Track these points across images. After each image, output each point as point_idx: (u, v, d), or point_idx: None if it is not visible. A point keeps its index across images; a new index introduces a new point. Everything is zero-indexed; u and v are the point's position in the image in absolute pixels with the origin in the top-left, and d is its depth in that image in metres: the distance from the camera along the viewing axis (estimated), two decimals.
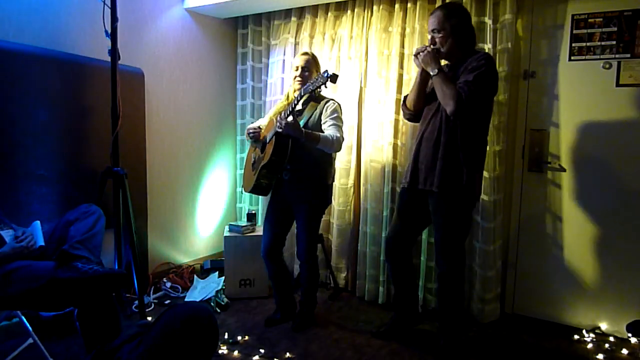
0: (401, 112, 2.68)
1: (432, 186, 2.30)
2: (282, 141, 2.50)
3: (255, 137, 2.77)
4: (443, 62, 2.33)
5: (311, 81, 2.42)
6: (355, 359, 2.46)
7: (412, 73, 2.98)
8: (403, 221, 2.54)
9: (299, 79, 2.66)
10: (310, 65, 2.68)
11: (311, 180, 2.64)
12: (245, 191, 2.86)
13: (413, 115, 2.51)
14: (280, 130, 2.42)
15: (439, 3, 2.91)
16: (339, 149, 2.60)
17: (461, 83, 2.17)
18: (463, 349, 2.47)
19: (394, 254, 2.60)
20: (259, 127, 2.81)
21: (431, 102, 2.38)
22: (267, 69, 3.73)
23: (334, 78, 2.32)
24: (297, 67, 2.68)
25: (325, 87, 2.37)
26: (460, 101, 2.13)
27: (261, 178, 2.63)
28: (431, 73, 2.25)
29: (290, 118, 2.45)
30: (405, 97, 2.56)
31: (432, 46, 2.28)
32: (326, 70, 2.34)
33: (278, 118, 2.45)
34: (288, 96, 2.78)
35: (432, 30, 2.29)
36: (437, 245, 2.39)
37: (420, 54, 2.28)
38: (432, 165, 2.30)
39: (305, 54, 2.73)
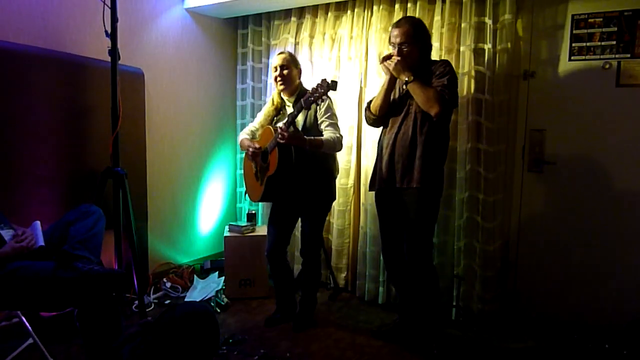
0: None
1: (411, 183, 2.39)
2: (285, 151, 2.48)
3: (256, 155, 2.67)
4: None
5: (311, 93, 2.35)
6: (355, 359, 2.46)
7: None
8: (389, 223, 2.59)
9: (279, 79, 2.64)
10: (289, 63, 2.65)
11: (317, 178, 2.65)
12: (254, 201, 2.86)
13: (378, 121, 2.58)
14: (282, 141, 2.40)
15: (439, 4, 2.92)
16: (340, 148, 2.64)
17: (439, 87, 2.29)
18: (445, 334, 2.59)
19: (391, 259, 2.63)
20: (258, 147, 2.66)
21: (397, 108, 2.48)
22: (267, 69, 3.73)
23: (334, 86, 2.30)
24: (276, 67, 2.65)
25: (327, 96, 2.36)
26: (445, 103, 2.28)
27: (269, 187, 2.60)
28: (407, 80, 2.34)
29: (291, 129, 2.42)
30: (369, 103, 2.60)
31: (399, 57, 2.36)
32: (324, 79, 2.31)
33: (278, 129, 2.41)
34: (273, 100, 2.76)
35: (401, 44, 2.38)
36: (412, 237, 2.45)
37: (390, 62, 2.37)
38: (409, 164, 2.40)
39: (280, 52, 2.71)
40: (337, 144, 2.57)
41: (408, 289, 2.62)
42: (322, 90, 2.31)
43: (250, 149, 2.66)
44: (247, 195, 2.95)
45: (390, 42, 2.45)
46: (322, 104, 2.58)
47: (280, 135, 2.39)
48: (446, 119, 2.42)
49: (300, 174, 2.57)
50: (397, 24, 2.43)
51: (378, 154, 2.60)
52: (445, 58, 2.85)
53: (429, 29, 2.96)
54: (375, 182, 2.57)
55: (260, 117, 2.84)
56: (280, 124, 2.49)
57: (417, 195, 2.39)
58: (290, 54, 2.72)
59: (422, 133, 2.36)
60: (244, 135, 2.84)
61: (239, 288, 3.26)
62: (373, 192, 3.10)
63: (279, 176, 2.53)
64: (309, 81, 3.28)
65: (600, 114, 2.68)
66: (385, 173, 2.48)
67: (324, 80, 2.31)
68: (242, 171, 2.95)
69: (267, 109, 2.81)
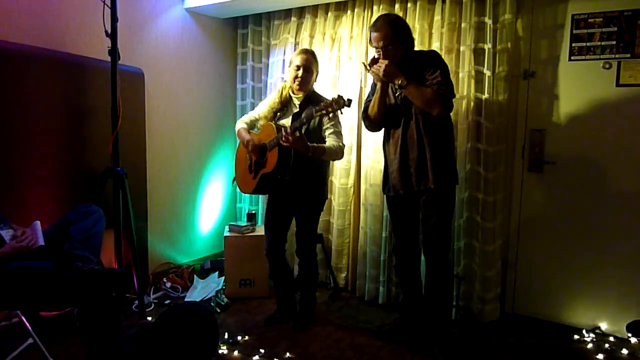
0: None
1: (427, 184, 2.37)
2: (285, 153, 2.47)
3: (255, 151, 2.64)
4: None
5: (324, 106, 2.29)
6: (355, 359, 2.46)
7: None
8: (405, 227, 2.58)
9: (299, 79, 2.59)
10: (311, 64, 2.61)
11: (311, 180, 2.64)
12: (244, 193, 2.85)
13: (378, 126, 2.56)
14: (286, 145, 2.37)
15: (439, 4, 2.92)
16: (342, 156, 2.64)
17: (435, 84, 2.25)
18: (449, 335, 2.57)
19: (403, 262, 2.63)
20: (259, 145, 2.62)
21: (396, 111, 2.44)
22: (267, 69, 3.73)
23: (349, 103, 2.26)
24: (298, 67, 2.60)
25: (342, 113, 2.32)
26: (445, 100, 2.25)
27: (262, 183, 2.61)
28: (401, 84, 2.28)
29: (296, 133, 2.39)
30: (365, 110, 2.56)
31: (386, 61, 2.30)
32: (341, 96, 2.26)
33: (282, 132, 2.38)
34: (281, 93, 2.69)
35: (384, 46, 2.32)
36: (431, 236, 2.43)
37: (378, 67, 2.31)
38: (421, 167, 2.38)
39: (305, 52, 2.65)
40: (339, 153, 2.56)
41: (417, 287, 2.62)
42: (336, 107, 2.26)
43: (250, 145, 2.61)
44: (235, 182, 2.88)
45: (372, 45, 2.40)
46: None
47: (284, 139, 2.37)
48: (447, 113, 2.39)
49: (295, 176, 2.56)
50: (375, 28, 2.35)
51: (387, 159, 2.56)
52: (445, 58, 2.84)
53: (428, 29, 2.98)
54: (390, 188, 2.54)
55: (264, 107, 2.76)
56: (283, 121, 2.46)
57: (434, 195, 2.39)
58: (314, 56, 2.65)
59: (428, 134, 2.34)
60: (242, 124, 2.77)
61: (239, 288, 3.26)
62: (373, 192, 3.12)
63: (275, 176, 2.53)
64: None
65: (600, 114, 2.68)
66: (399, 178, 2.45)
67: (340, 97, 2.26)
68: (235, 158, 2.89)
69: (272, 100, 2.73)
